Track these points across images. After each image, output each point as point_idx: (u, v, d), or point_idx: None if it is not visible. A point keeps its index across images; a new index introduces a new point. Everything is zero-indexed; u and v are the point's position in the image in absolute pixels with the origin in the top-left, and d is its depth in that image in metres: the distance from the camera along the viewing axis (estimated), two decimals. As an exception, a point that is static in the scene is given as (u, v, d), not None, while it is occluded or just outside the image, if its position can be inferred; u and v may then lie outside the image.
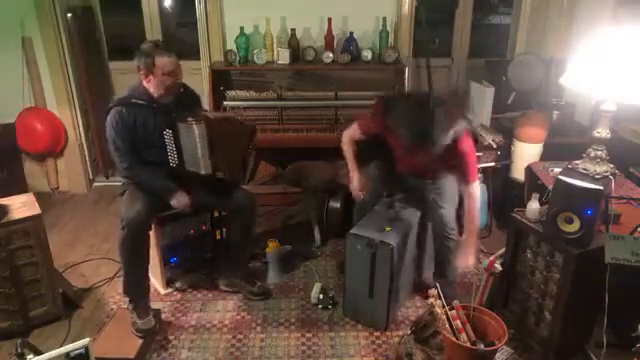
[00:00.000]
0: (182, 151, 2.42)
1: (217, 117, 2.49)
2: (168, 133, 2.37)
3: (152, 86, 2.37)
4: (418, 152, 2.31)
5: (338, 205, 3.19)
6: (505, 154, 3.30)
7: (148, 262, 2.42)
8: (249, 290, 2.68)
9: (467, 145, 2.25)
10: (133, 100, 2.36)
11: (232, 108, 3.47)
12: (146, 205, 2.33)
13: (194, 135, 2.37)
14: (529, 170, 2.82)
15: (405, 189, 2.62)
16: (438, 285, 2.20)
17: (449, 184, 2.46)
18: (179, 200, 2.44)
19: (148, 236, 2.38)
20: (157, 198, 2.42)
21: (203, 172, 2.44)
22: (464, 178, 2.32)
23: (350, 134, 2.55)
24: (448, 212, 2.44)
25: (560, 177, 1.95)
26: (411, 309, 2.60)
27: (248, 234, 2.69)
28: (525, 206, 2.21)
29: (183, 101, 2.49)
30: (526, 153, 3.20)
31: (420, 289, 2.66)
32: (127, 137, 2.34)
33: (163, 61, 2.31)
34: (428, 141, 2.12)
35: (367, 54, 3.45)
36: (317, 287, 2.65)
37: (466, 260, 2.34)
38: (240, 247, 2.69)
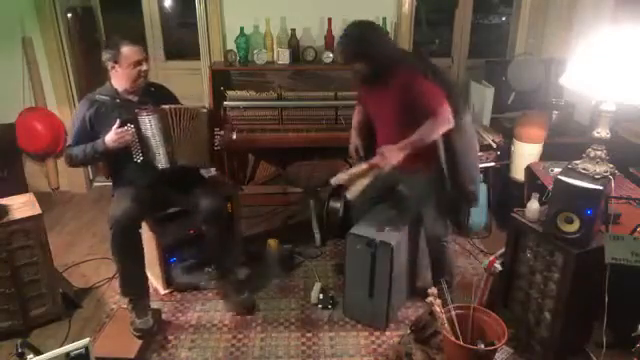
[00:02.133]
0: (145, 145, 2.41)
1: (171, 108, 2.42)
2: (130, 128, 2.35)
3: (118, 78, 2.41)
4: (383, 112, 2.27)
5: (338, 205, 3.19)
6: (505, 154, 3.30)
7: (142, 261, 2.42)
8: (233, 301, 2.59)
9: (421, 84, 2.15)
10: (97, 96, 2.43)
11: (232, 108, 3.46)
12: (133, 204, 2.33)
13: (150, 126, 2.37)
14: (529, 170, 2.82)
15: (390, 191, 2.57)
16: (443, 281, 2.20)
17: (420, 183, 2.38)
18: (110, 139, 2.32)
19: (138, 235, 2.38)
20: (144, 196, 2.40)
21: (160, 165, 2.42)
22: (430, 112, 2.12)
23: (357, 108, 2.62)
24: (433, 219, 2.40)
25: (560, 177, 1.95)
26: (411, 309, 2.60)
27: (221, 240, 2.54)
28: (525, 206, 2.21)
29: (152, 99, 2.46)
30: (526, 153, 3.20)
31: (419, 290, 2.65)
32: (78, 126, 2.42)
33: (129, 50, 2.34)
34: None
35: (367, 54, 3.44)
36: (317, 287, 2.65)
37: (385, 153, 2.12)
38: (218, 254, 2.59)
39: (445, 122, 2.11)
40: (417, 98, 2.14)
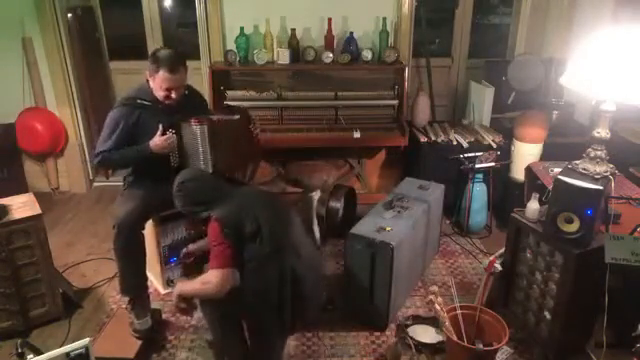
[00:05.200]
0: (184, 152, 2.43)
1: (220, 120, 2.48)
2: (171, 133, 2.38)
3: (154, 87, 2.41)
4: None
5: (338, 205, 3.19)
6: (505, 154, 3.30)
7: (143, 261, 2.42)
8: None
9: (211, 232, 1.90)
10: (138, 101, 2.42)
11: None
12: (138, 205, 2.33)
13: (196, 137, 2.39)
14: (529, 170, 2.82)
15: None
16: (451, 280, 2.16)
17: None
18: (156, 145, 2.35)
19: (141, 236, 2.38)
20: (151, 198, 2.40)
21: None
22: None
23: None
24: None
25: (560, 177, 1.95)
26: (411, 309, 2.60)
27: None
28: (525, 206, 2.21)
29: (188, 104, 2.49)
30: (526, 153, 3.20)
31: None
32: (119, 131, 2.37)
33: (164, 76, 2.32)
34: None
35: (367, 54, 3.45)
36: (317, 287, 2.65)
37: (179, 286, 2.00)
38: None
39: (211, 290, 1.86)
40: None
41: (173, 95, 2.38)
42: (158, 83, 2.35)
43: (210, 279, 1.85)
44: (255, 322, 2.00)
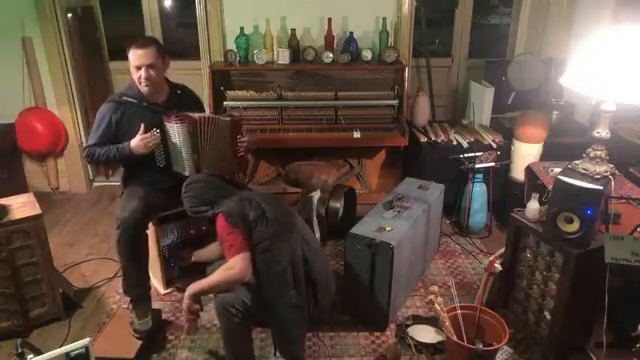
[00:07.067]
0: (169, 151, 2.43)
1: (201, 117, 2.42)
2: (155, 132, 2.36)
3: (133, 76, 2.39)
4: None
5: (338, 205, 3.19)
6: (505, 154, 3.30)
7: (146, 261, 2.42)
8: None
9: (220, 227, 1.98)
10: (124, 98, 2.41)
11: (232, 108, 3.47)
12: (142, 205, 2.33)
13: (178, 134, 2.38)
14: (529, 170, 2.82)
15: None
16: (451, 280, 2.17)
17: None
18: (136, 145, 2.33)
19: (145, 236, 2.38)
20: (151, 197, 2.40)
21: (186, 173, 2.44)
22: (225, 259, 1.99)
23: None
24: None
25: (560, 177, 1.95)
26: (411, 309, 2.60)
27: None
28: (525, 206, 2.21)
29: (179, 103, 2.47)
30: (526, 153, 3.20)
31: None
32: (103, 127, 2.39)
33: (132, 54, 2.32)
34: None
35: (367, 54, 3.45)
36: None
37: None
38: None
39: (235, 275, 1.88)
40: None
41: (142, 74, 2.33)
42: (131, 65, 2.33)
43: (233, 265, 1.89)
44: (275, 310, 1.99)
